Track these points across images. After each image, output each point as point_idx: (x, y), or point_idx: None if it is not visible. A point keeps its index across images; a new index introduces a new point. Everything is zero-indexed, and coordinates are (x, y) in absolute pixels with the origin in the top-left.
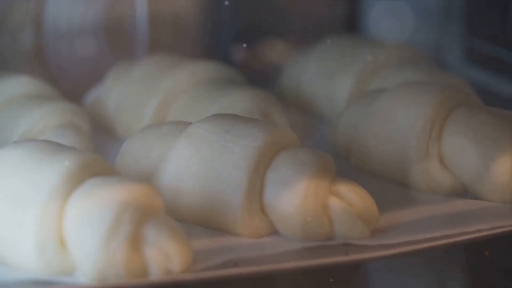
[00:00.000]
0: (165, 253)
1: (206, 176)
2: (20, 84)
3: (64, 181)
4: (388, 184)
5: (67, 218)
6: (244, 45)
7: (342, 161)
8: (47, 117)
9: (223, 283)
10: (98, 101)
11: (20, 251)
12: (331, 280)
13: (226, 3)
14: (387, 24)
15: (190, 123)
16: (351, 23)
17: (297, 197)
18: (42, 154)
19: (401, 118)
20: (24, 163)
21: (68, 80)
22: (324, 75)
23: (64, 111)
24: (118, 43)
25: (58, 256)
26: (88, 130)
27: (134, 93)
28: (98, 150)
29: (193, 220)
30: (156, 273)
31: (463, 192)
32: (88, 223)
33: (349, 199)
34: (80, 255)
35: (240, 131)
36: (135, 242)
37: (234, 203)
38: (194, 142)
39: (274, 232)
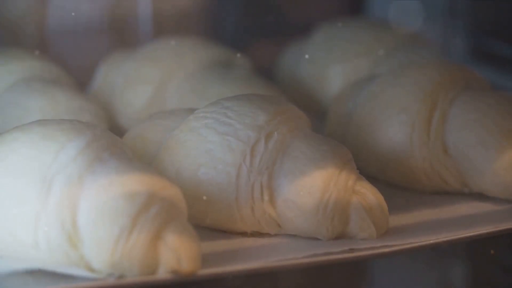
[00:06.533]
0: (177, 257)
1: (204, 163)
2: (33, 66)
3: (77, 156)
4: (387, 185)
5: (85, 201)
6: (248, 38)
7: None
8: (64, 117)
9: (226, 280)
10: (97, 89)
11: (19, 236)
12: (334, 279)
13: None
14: (391, 18)
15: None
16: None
17: (319, 190)
18: (47, 130)
19: (398, 100)
20: (28, 141)
21: (71, 74)
22: (319, 62)
23: (82, 112)
24: (121, 38)
25: (64, 242)
26: None
27: (135, 73)
28: None
29: (192, 215)
30: (163, 272)
31: (463, 185)
32: (111, 211)
33: (370, 202)
34: (94, 243)
35: (242, 109)
36: (155, 239)
37: (230, 196)
38: (194, 125)
39: (278, 228)
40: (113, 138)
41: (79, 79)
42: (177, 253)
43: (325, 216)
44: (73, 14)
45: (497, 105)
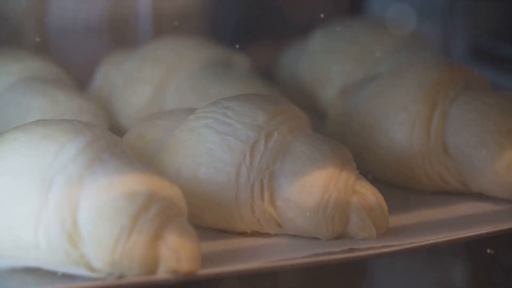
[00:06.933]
0: (177, 257)
1: (204, 163)
2: (33, 66)
3: (77, 155)
4: (387, 185)
5: (85, 201)
6: (248, 38)
7: None
8: (64, 117)
9: (226, 280)
10: (97, 89)
11: (19, 236)
12: (334, 279)
13: None
14: (391, 18)
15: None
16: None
17: (319, 190)
18: (47, 130)
19: (398, 99)
20: (29, 141)
21: (71, 74)
22: (319, 62)
23: (82, 112)
24: (121, 38)
25: (65, 242)
26: None
27: (135, 73)
28: None
29: (192, 215)
30: (163, 272)
31: (463, 185)
32: (111, 210)
33: (370, 202)
34: (94, 242)
35: (242, 109)
36: (155, 239)
37: (230, 196)
38: (194, 125)
39: (278, 227)
40: (113, 138)
41: (79, 79)
42: (177, 253)
43: (325, 216)
44: (73, 14)
45: (497, 105)
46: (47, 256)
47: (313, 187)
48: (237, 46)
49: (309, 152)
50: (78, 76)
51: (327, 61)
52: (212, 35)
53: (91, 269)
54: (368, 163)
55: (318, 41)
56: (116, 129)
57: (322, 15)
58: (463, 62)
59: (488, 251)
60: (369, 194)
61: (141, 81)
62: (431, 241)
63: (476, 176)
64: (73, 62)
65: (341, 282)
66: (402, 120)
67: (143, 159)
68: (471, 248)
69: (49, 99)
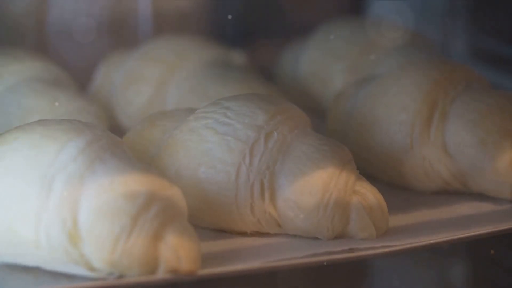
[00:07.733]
0: (177, 257)
1: (203, 163)
2: (33, 67)
3: (78, 155)
4: (387, 185)
5: (85, 200)
6: (248, 38)
7: None
8: (64, 117)
9: (225, 280)
10: (97, 89)
11: (20, 235)
12: (334, 279)
13: None
14: (391, 18)
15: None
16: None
17: (319, 190)
18: (48, 129)
19: (398, 99)
20: (29, 141)
21: (71, 74)
22: (319, 62)
23: (83, 112)
24: (121, 38)
25: (65, 241)
26: None
27: (135, 72)
28: None
29: (192, 215)
30: (163, 272)
31: (463, 185)
32: (111, 210)
33: (370, 202)
34: (94, 242)
35: (241, 109)
36: (155, 239)
37: (229, 196)
38: (194, 125)
39: (278, 227)
40: (113, 138)
41: (79, 79)
42: (177, 252)
43: (326, 216)
44: (73, 14)
45: (497, 105)
46: (47, 255)
47: (313, 187)
48: (238, 45)
49: (309, 152)
50: (78, 76)
51: (328, 61)
52: (212, 35)
53: (91, 268)
54: (368, 163)
55: (319, 41)
56: (116, 129)
57: (322, 15)
58: (463, 62)
59: (489, 251)
60: (369, 194)
61: (141, 80)
62: (431, 241)
63: (476, 176)
64: (73, 62)
65: (341, 282)
66: (402, 120)
67: (143, 159)
68: (471, 248)
69: (49, 99)
